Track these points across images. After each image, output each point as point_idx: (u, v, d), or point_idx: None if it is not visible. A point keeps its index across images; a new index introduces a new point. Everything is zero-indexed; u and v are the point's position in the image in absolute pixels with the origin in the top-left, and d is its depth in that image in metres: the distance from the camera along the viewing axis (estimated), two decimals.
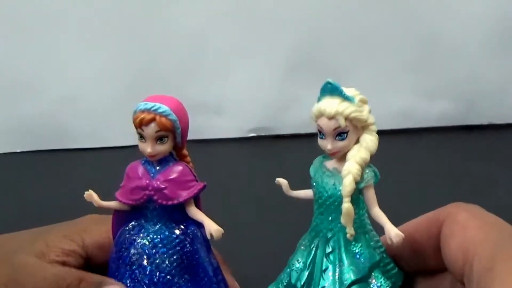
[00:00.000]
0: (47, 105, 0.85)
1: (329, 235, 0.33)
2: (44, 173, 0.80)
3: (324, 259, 0.33)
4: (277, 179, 0.35)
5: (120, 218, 0.37)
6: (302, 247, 0.34)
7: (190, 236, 0.36)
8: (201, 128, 0.86)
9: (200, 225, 0.35)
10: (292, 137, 0.85)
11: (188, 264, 0.36)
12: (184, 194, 0.35)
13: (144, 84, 0.83)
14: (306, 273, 0.33)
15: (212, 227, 0.33)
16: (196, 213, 0.35)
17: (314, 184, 0.34)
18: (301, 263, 0.34)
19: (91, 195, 0.35)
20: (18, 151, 0.86)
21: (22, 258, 0.36)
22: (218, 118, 0.88)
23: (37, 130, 0.85)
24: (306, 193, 0.35)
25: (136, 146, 0.35)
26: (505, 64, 0.88)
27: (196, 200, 0.36)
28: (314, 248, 0.33)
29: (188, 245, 0.36)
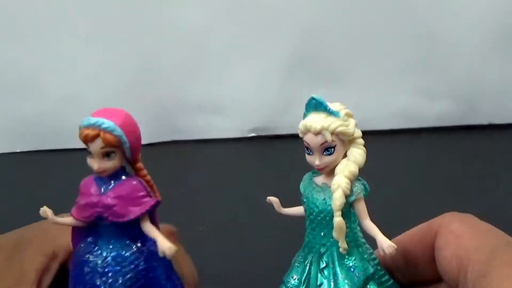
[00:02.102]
0: (48, 105, 0.85)
1: (322, 250, 0.33)
2: (44, 173, 0.80)
3: (319, 275, 0.33)
4: (268, 197, 0.35)
5: (79, 233, 0.36)
6: (296, 264, 0.34)
7: (145, 253, 0.35)
8: (201, 128, 0.86)
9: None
10: (292, 137, 0.85)
11: (145, 282, 0.34)
12: (135, 211, 0.33)
13: (145, 84, 0.84)
14: None
15: (164, 245, 0.32)
16: (149, 230, 0.34)
17: (305, 200, 0.34)
18: (296, 280, 0.34)
19: (45, 212, 0.34)
20: (18, 151, 0.86)
21: None
22: (218, 118, 0.88)
23: (37, 130, 0.85)
24: (297, 210, 0.35)
25: None
26: (505, 64, 0.88)
27: (152, 215, 0.35)
28: (308, 264, 0.33)
29: (142, 263, 0.34)
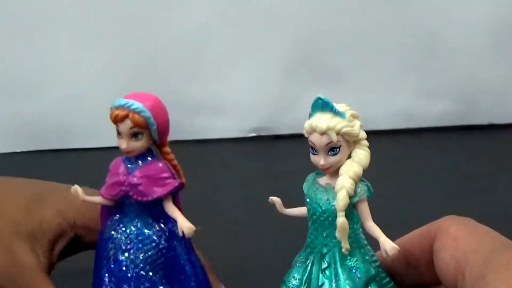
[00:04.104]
0: (48, 105, 0.85)
1: (324, 250, 0.33)
2: (45, 173, 0.79)
3: (320, 275, 0.33)
4: (270, 197, 0.35)
5: (107, 212, 0.38)
6: (297, 264, 0.34)
7: (166, 233, 0.36)
8: (201, 128, 0.86)
9: None
10: (292, 137, 0.85)
11: (165, 261, 0.36)
12: (159, 191, 0.35)
13: (145, 84, 0.83)
14: None
15: (184, 225, 0.34)
16: (171, 210, 0.36)
17: (308, 200, 0.34)
18: (297, 280, 0.34)
19: (76, 190, 0.36)
20: (18, 151, 0.86)
21: (21, 253, 0.36)
22: (218, 118, 0.88)
23: (38, 130, 0.85)
24: (300, 210, 0.35)
25: None
26: (505, 64, 0.88)
27: (175, 197, 0.37)
28: (309, 264, 0.33)
29: (163, 242, 0.36)
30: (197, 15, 0.85)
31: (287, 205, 0.36)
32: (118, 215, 0.37)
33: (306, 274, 0.33)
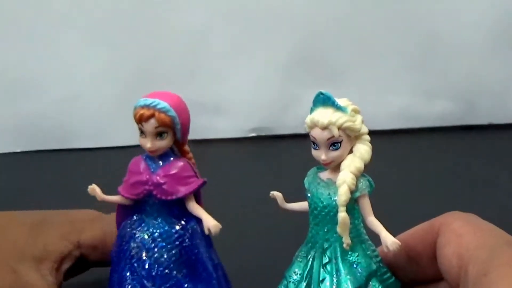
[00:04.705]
0: (48, 105, 0.85)
1: (326, 245, 0.33)
2: (45, 173, 0.80)
3: (321, 270, 0.33)
4: (271, 192, 0.35)
5: (124, 211, 0.37)
6: (298, 259, 0.35)
7: (189, 231, 0.36)
8: (201, 128, 0.86)
9: (200, 221, 0.36)
10: (292, 137, 0.85)
11: (187, 259, 0.36)
12: (183, 190, 0.35)
13: (145, 84, 0.83)
14: (303, 285, 0.33)
15: (210, 223, 0.34)
16: (195, 209, 0.36)
17: (309, 195, 0.34)
18: (298, 275, 0.34)
19: (94, 189, 0.36)
20: (18, 151, 0.86)
21: (26, 273, 0.36)
22: (218, 118, 0.88)
23: (38, 129, 0.85)
24: (301, 205, 0.35)
25: (138, 146, 0.36)
26: (505, 63, 0.88)
27: (197, 196, 0.36)
28: (310, 259, 0.34)
29: (187, 240, 0.36)
30: (197, 15, 0.85)
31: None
32: (137, 215, 0.37)
33: (307, 269, 0.33)
